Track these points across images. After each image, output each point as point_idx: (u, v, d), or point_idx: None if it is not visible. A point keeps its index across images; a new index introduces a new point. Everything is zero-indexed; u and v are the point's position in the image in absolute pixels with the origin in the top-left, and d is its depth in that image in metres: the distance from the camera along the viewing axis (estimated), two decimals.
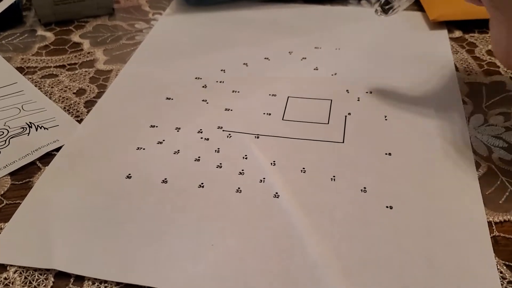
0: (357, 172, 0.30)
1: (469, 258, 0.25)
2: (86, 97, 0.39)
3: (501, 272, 0.24)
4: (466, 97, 0.36)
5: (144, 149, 0.33)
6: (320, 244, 0.26)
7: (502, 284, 0.24)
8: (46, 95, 0.39)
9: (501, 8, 0.27)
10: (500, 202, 0.28)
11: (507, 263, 0.25)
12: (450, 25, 0.46)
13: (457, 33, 0.45)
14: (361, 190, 0.29)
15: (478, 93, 0.37)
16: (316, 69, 0.41)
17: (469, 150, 0.32)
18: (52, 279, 0.25)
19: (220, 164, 0.31)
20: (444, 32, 0.45)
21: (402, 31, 0.46)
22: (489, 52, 0.42)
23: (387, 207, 0.28)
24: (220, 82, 0.40)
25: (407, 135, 0.33)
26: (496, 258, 0.25)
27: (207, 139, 0.33)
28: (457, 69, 0.40)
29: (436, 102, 0.36)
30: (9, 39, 0.47)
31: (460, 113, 0.35)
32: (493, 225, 0.27)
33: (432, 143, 0.32)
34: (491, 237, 0.26)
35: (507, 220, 0.27)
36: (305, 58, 0.42)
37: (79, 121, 0.36)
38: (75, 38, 0.48)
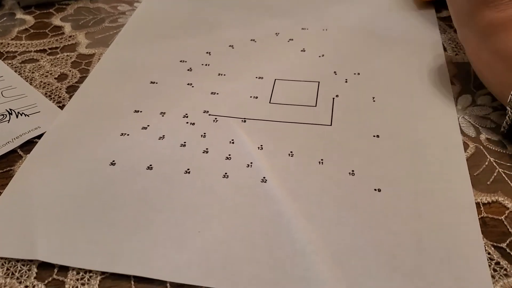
0: (345, 155, 0.30)
1: (457, 239, 0.25)
2: (68, 82, 0.38)
3: (489, 253, 0.24)
4: (454, 78, 0.36)
5: (128, 135, 0.32)
6: (308, 230, 0.26)
7: (490, 265, 0.24)
8: (27, 81, 0.38)
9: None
10: (488, 183, 0.28)
11: (495, 244, 0.25)
12: (438, 4, 0.45)
13: (445, 13, 0.45)
14: (349, 173, 0.29)
15: (466, 73, 0.37)
16: (304, 50, 0.40)
17: (457, 131, 0.31)
18: (36, 269, 0.25)
19: (207, 149, 0.31)
20: (432, 11, 0.45)
21: (390, 11, 0.45)
22: None
23: (375, 190, 0.28)
24: (206, 65, 0.39)
25: (395, 116, 0.33)
26: (484, 239, 0.25)
27: (193, 124, 0.33)
28: (445, 49, 0.39)
29: (424, 83, 0.35)
30: None
31: (448, 93, 0.34)
32: (481, 206, 0.27)
33: (420, 125, 0.32)
34: (479, 218, 0.26)
35: (495, 201, 0.27)
36: (292, 39, 0.42)
37: (61, 107, 0.35)
38: (56, 21, 0.46)
